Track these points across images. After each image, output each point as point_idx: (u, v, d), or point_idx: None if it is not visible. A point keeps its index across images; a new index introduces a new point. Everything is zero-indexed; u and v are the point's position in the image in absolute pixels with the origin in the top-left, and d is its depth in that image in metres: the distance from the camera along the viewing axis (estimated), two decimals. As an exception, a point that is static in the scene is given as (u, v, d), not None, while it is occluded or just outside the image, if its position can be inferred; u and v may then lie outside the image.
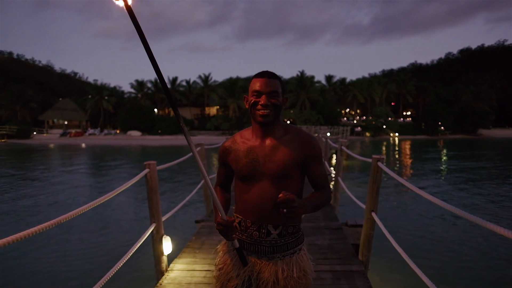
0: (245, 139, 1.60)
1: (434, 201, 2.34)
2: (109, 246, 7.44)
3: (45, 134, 60.71)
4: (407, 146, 42.09)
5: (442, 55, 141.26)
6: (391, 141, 51.67)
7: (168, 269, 3.38)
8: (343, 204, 9.45)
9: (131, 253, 2.80)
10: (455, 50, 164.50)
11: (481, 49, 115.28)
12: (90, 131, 60.61)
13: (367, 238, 3.49)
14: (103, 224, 9.18)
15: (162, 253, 3.28)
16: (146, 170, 3.12)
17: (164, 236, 3.29)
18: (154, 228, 3.21)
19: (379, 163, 3.31)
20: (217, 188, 1.76)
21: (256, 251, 1.58)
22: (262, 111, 1.49)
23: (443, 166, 22.62)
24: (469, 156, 28.79)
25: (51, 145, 44.72)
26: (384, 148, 37.96)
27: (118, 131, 60.20)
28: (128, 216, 9.99)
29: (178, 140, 47.76)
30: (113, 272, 2.52)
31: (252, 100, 1.51)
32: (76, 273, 6.01)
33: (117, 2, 1.13)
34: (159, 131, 56.75)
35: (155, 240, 3.24)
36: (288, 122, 57.47)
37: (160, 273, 3.27)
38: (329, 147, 9.01)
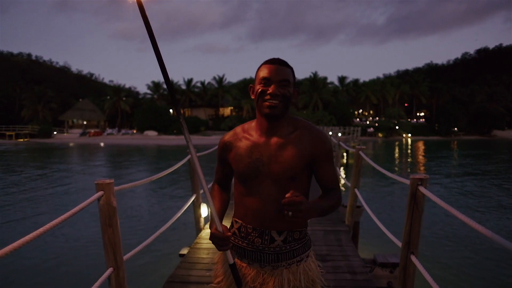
0: (248, 134, 1.45)
1: (396, 178, 3.47)
2: (152, 217, 9.92)
3: (65, 134, 62.89)
4: (418, 146, 42.65)
5: (459, 55, 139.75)
6: (404, 142, 52.20)
7: (204, 227, 4.62)
8: (346, 191, 11.11)
9: (180, 214, 4.00)
10: (472, 50, 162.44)
11: (499, 49, 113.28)
12: (108, 131, 62.64)
13: (351, 208, 4.65)
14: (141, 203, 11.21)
15: (200, 216, 4.52)
16: (189, 156, 4.31)
17: (202, 203, 4.50)
18: (195, 197, 4.42)
19: (360, 152, 4.46)
20: (215, 186, 1.60)
21: (258, 259, 1.43)
22: (270, 101, 1.33)
23: (449, 164, 23.40)
24: (477, 155, 29.39)
25: (71, 144, 46.66)
26: (397, 149, 38.69)
27: (135, 131, 62.06)
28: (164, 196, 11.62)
29: (193, 139, 49.04)
30: (166, 227, 3.72)
31: (259, 88, 1.35)
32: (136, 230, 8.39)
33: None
34: (175, 131, 58.39)
35: (196, 206, 4.47)
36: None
37: (199, 230, 4.52)
38: (333, 144, 10.13)
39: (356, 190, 4.57)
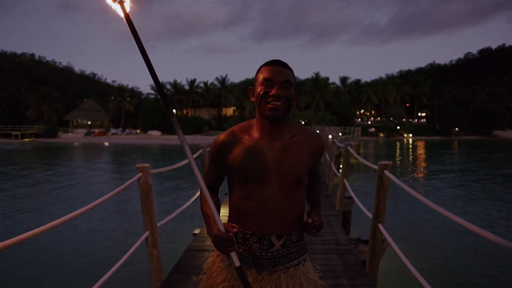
0: (248, 135, 1.40)
1: (368, 164, 4.15)
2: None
3: (70, 134, 63.79)
4: (418, 146, 43.24)
5: (462, 55, 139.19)
6: (405, 142, 52.81)
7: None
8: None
9: (194, 198, 4.70)
10: (475, 50, 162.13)
11: (502, 49, 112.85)
12: (113, 130, 63.52)
13: (341, 196, 5.34)
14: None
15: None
16: (201, 150, 5.01)
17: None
18: (205, 186, 5.12)
19: (349, 147, 5.15)
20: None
21: (256, 265, 1.40)
22: (273, 103, 1.30)
23: (445, 162, 24.05)
24: (474, 154, 30.01)
25: (76, 144, 47.41)
26: (397, 148, 39.32)
27: (138, 131, 62.91)
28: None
29: (196, 139, 49.99)
30: (188, 205, 4.42)
31: (261, 90, 1.32)
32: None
33: (114, 6, 1.10)
34: (178, 131, 59.08)
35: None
36: (303, 122, 59.19)
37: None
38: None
39: (345, 180, 5.26)
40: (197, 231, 4.72)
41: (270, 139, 1.37)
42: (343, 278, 3.10)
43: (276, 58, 1.38)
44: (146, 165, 2.92)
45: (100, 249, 7.17)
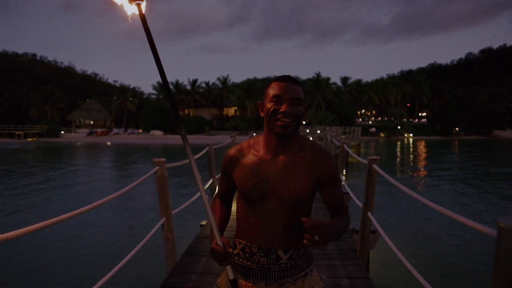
0: (255, 150, 1.43)
1: (358, 159, 4.53)
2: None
3: (72, 133, 64.20)
4: (418, 146, 43.57)
5: (463, 55, 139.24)
6: (405, 142, 53.15)
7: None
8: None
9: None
10: (476, 50, 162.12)
11: (503, 49, 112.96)
12: (115, 130, 63.90)
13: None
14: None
15: (216, 196, 5.61)
16: (207, 148, 5.41)
17: (217, 187, 5.58)
18: (212, 181, 5.50)
19: (345, 145, 5.54)
20: (217, 201, 1.58)
21: (264, 277, 1.42)
22: (283, 120, 1.30)
23: (441, 161, 24.43)
24: (470, 153, 30.37)
25: (79, 143, 47.80)
26: (397, 148, 39.68)
27: (140, 131, 63.32)
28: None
29: (198, 139, 50.35)
30: (194, 199, 4.81)
31: (271, 107, 1.32)
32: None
33: (129, 8, 1.13)
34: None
35: (213, 189, 5.55)
36: (304, 122, 59.53)
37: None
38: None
39: (341, 176, 5.65)
40: (204, 222, 5.12)
41: (275, 154, 1.38)
42: (336, 260, 3.49)
43: (286, 75, 1.39)
44: (163, 159, 3.31)
45: (110, 245, 7.57)
